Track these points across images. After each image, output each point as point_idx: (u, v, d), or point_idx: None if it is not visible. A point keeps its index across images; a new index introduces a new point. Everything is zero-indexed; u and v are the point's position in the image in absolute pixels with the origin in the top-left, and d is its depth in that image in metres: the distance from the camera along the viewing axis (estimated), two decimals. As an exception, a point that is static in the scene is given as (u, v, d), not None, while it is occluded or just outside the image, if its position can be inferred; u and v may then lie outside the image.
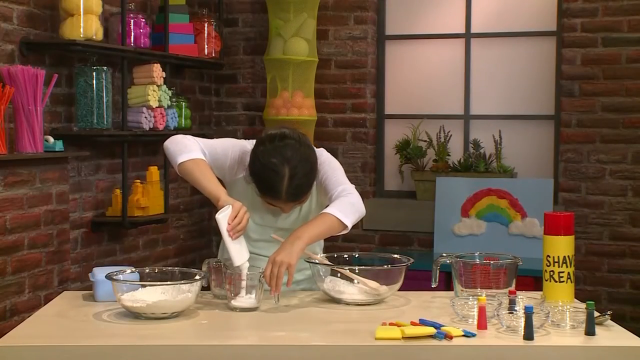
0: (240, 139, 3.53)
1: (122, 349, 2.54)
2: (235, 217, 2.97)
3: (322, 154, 3.21)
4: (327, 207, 3.13)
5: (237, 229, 2.96)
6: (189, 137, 3.20)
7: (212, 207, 6.00)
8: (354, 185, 3.20)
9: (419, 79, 6.15)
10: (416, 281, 3.45)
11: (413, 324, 2.68)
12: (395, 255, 3.32)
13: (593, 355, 2.55)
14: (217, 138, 3.33)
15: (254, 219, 3.19)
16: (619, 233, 5.56)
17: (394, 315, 2.88)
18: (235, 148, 3.22)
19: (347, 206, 3.09)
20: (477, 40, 5.99)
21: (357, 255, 3.38)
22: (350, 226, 3.09)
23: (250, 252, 3.06)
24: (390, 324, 2.69)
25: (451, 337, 2.58)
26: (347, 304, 3.04)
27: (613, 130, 5.54)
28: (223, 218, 2.97)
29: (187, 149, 3.13)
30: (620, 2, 5.46)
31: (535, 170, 5.92)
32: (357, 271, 3.07)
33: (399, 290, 3.14)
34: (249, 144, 3.18)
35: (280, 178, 3.00)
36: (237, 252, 2.98)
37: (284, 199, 3.05)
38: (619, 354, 2.55)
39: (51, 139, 4.29)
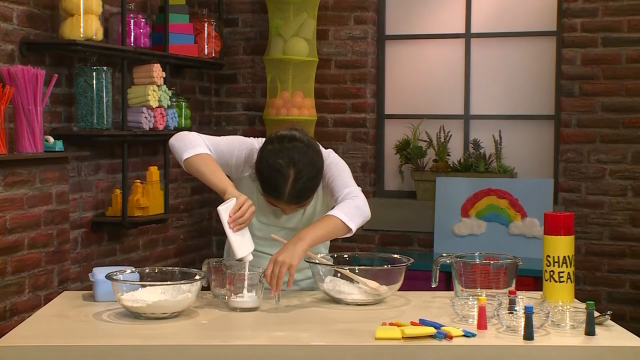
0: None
1: (122, 348, 2.54)
2: (239, 209, 2.94)
3: (330, 155, 3.21)
4: (332, 209, 3.11)
5: (239, 221, 2.94)
6: (194, 133, 3.20)
7: (212, 207, 6.03)
8: (360, 188, 3.19)
9: (419, 79, 6.14)
10: (416, 281, 3.45)
11: (413, 324, 2.67)
12: (395, 255, 3.30)
13: (593, 355, 2.55)
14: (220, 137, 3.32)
15: (258, 217, 3.18)
16: (619, 233, 5.54)
17: (394, 315, 2.88)
18: (242, 147, 3.20)
19: (352, 209, 3.07)
20: (477, 40, 5.98)
21: (357, 255, 3.37)
22: (354, 229, 3.07)
23: (254, 250, 3.05)
24: (390, 324, 2.68)
25: (451, 337, 2.57)
26: (347, 304, 3.03)
27: (613, 130, 5.52)
28: (224, 210, 2.95)
29: (193, 145, 3.12)
30: (620, 2, 5.45)
31: (535, 170, 5.91)
32: (357, 271, 3.05)
33: (399, 290, 3.12)
34: (258, 143, 3.17)
35: (284, 179, 3.00)
36: (239, 244, 2.96)
37: (285, 200, 3.04)
38: (619, 354, 2.55)
39: (51, 139, 4.27)
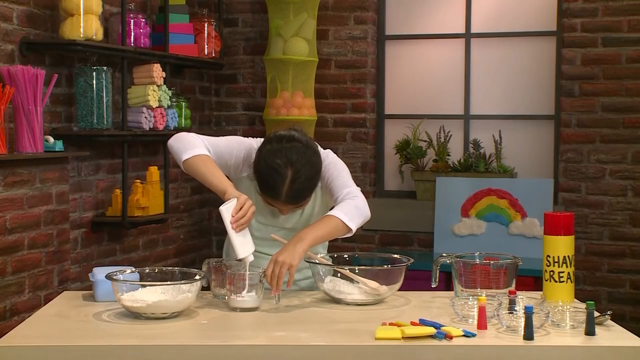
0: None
1: (122, 349, 2.54)
2: (240, 210, 2.94)
3: (329, 156, 3.20)
4: (332, 209, 3.10)
5: (241, 222, 2.93)
6: (193, 134, 3.19)
7: (212, 207, 5.98)
8: (359, 188, 3.18)
9: (419, 79, 6.11)
10: (416, 281, 3.43)
11: (413, 324, 2.66)
12: (395, 255, 3.28)
13: (593, 355, 2.54)
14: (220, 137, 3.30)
15: (256, 217, 3.16)
16: (619, 233, 5.50)
17: (394, 315, 2.87)
18: (241, 147, 3.19)
19: (352, 209, 3.06)
20: (477, 40, 5.96)
21: (357, 255, 3.35)
22: (354, 229, 3.06)
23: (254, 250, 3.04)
24: (390, 324, 2.67)
25: (451, 337, 2.57)
26: (347, 304, 3.02)
27: (613, 130, 5.49)
28: (226, 210, 2.94)
29: (192, 146, 3.10)
30: (620, 2, 5.43)
31: (535, 170, 5.87)
32: (357, 271, 3.04)
33: (399, 290, 3.11)
34: (256, 143, 3.16)
35: (282, 179, 2.98)
36: (241, 244, 2.95)
37: (283, 200, 3.03)
38: (619, 354, 2.54)
39: (51, 139, 4.26)
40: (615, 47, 5.47)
